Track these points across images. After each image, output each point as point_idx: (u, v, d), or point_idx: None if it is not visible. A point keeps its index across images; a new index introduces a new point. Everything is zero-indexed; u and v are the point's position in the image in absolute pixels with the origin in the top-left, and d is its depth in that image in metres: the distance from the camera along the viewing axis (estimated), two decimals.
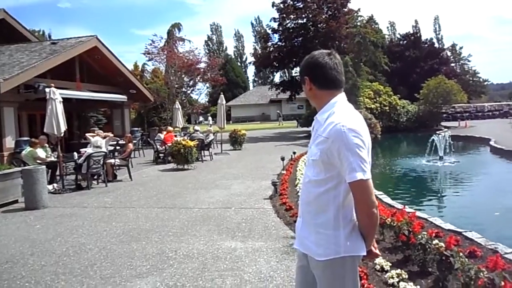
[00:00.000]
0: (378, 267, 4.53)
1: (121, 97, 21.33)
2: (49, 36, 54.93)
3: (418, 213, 6.36)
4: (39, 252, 5.75)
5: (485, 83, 64.38)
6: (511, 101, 55.88)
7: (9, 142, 14.55)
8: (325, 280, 2.18)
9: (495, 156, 16.69)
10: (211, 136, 18.50)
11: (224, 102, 20.04)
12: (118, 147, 15.72)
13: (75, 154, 12.50)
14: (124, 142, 14.77)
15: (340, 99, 2.21)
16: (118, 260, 5.28)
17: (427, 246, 4.41)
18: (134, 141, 16.52)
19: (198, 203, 8.56)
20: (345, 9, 33.45)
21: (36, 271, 5.04)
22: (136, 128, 24.14)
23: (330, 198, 2.12)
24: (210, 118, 59.26)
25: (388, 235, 5.46)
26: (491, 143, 18.44)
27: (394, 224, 5.06)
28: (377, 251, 2.30)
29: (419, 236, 4.57)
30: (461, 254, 4.11)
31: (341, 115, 2.09)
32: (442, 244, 4.41)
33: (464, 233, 5.63)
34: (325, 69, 2.21)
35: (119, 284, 4.54)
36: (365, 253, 2.16)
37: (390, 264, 4.57)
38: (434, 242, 4.51)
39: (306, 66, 2.29)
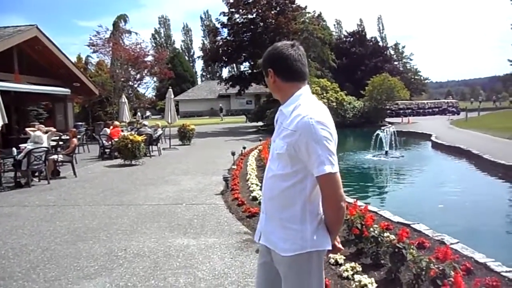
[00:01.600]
0: (332, 260, 4.56)
1: (64, 90, 20.37)
2: None
3: (369, 207, 6.49)
4: None
5: (426, 81, 67.44)
6: (449, 99, 58.75)
7: None
8: (291, 276, 2.13)
9: (435, 151, 17.43)
10: (159, 131, 18.11)
11: (172, 96, 19.65)
12: (61, 142, 15.03)
13: (14, 149, 11.80)
14: (67, 137, 14.15)
15: (305, 92, 2.15)
16: (63, 261, 5.01)
17: (379, 239, 4.50)
18: (79, 136, 15.87)
19: (147, 199, 8.33)
20: (293, 5, 33.76)
21: None
22: (80, 123, 23.23)
23: (297, 192, 2.07)
24: (148, 113, 58.23)
25: (341, 228, 5.51)
26: (432, 138, 19.25)
27: (347, 218, 5.10)
28: (340, 245, 2.28)
29: (371, 229, 4.65)
30: (412, 246, 4.22)
31: (308, 108, 2.04)
32: (393, 236, 4.51)
33: (412, 225, 5.79)
34: (289, 60, 2.13)
35: (65, 287, 4.29)
36: (330, 248, 2.13)
37: (344, 258, 4.61)
38: (385, 234, 4.61)
39: (269, 58, 2.19)
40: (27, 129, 12.30)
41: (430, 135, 20.39)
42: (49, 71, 19.94)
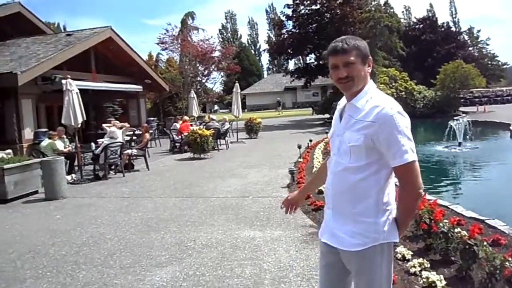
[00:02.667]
0: (399, 255, 4.46)
1: (137, 87, 21.42)
2: (64, 28, 55.38)
3: (438, 201, 6.25)
4: (60, 242, 5.81)
5: (504, 66, 63.08)
6: None
7: (28, 134, 14.72)
8: (365, 270, 2.12)
9: None
10: (227, 125, 18.48)
11: (239, 90, 20.00)
12: (134, 137, 15.81)
13: (93, 144, 12.63)
14: (140, 132, 14.85)
15: (373, 85, 2.19)
16: (137, 250, 5.30)
17: (449, 235, 4.32)
18: (151, 131, 16.58)
19: (215, 192, 8.57)
20: None
21: (58, 260, 5.10)
22: (152, 118, 24.23)
23: (371, 185, 2.07)
24: (216, 107, 59.12)
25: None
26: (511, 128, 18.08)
27: (415, 212, 4.97)
28: None
29: (441, 225, 4.49)
30: (485, 243, 4.03)
31: (383, 99, 2.08)
32: (465, 232, 4.33)
33: (486, 221, 5.50)
34: None
35: (139, 274, 4.56)
36: (398, 240, 2.13)
37: (412, 253, 4.50)
38: (456, 230, 4.42)
39: (365, 48, 2.17)
40: (103, 125, 13.05)
41: (509, 125, 19.15)
42: (122, 69, 21.00)
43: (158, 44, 30.52)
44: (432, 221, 4.62)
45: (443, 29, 51.34)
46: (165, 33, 29.83)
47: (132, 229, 6.27)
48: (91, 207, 7.84)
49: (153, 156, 14.38)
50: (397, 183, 2.13)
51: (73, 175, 10.98)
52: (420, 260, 4.21)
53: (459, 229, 4.53)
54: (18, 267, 4.97)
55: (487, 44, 62.59)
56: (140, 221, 6.66)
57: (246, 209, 7.07)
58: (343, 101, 2.27)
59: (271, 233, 5.68)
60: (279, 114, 45.94)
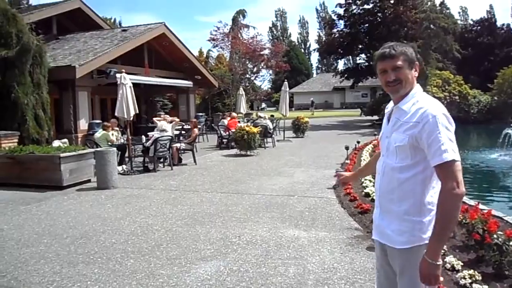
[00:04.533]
0: (448, 265, 4.32)
1: (187, 83, 21.83)
2: (120, 24, 57.00)
3: (493, 211, 6.00)
4: (110, 230, 6.01)
5: None
6: None
7: (83, 124, 15.33)
8: (409, 268, 2.16)
9: None
10: (274, 123, 18.49)
11: (287, 89, 19.97)
12: (183, 132, 16.12)
13: (143, 137, 12.98)
14: (189, 127, 15.12)
15: (419, 89, 2.28)
16: (183, 242, 5.41)
17: (504, 247, 4.14)
18: (199, 126, 16.86)
19: (261, 189, 8.60)
20: None
21: (108, 247, 5.28)
22: (200, 114, 24.62)
23: (417, 183, 2.14)
24: (264, 105, 58.95)
25: (459, 232, 5.18)
26: None
27: (467, 222, 4.80)
28: None
29: (495, 236, 4.30)
30: None
31: (427, 101, 2.18)
32: None
33: None
34: None
35: (184, 266, 4.65)
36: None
37: (462, 264, 4.34)
38: (511, 243, 4.24)
39: (413, 53, 2.28)
40: (154, 118, 13.38)
41: None
42: (174, 65, 21.47)
43: (209, 40, 31.00)
44: (486, 232, 4.44)
45: (502, 31, 49.06)
46: (216, 30, 30.23)
47: (178, 221, 6.40)
48: (140, 198, 8.07)
49: (200, 151, 14.60)
50: None
51: (124, 166, 11.34)
52: (471, 271, 4.05)
53: None
54: (71, 251, 5.19)
55: None
56: (187, 214, 6.79)
57: (291, 208, 7.06)
58: (390, 105, 2.38)
59: (316, 234, 5.65)
60: (312, 114, 44.93)
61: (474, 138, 24.35)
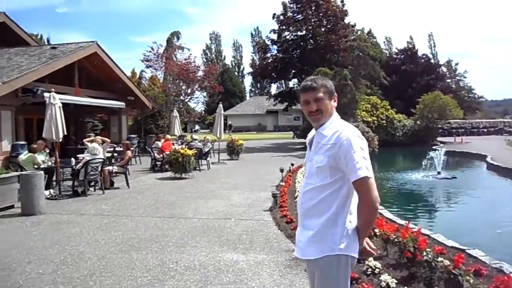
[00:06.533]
0: (383, 284, 4.46)
1: (119, 104, 21.22)
2: (48, 41, 54.94)
3: (422, 230, 6.31)
4: (37, 260, 5.64)
5: (480, 99, 64.94)
6: (505, 118, 56.36)
7: (5, 146, 14.36)
8: (322, 279, 2.35)
9: (491, 173, 16.73)
10: (209, 145, 18.42)
11: (222, 111, 20.03)
12: (115, 154, 15.60)
13: (73, 160, 12.41)
14: (121, 149, 14.67)
15: (337, 116, 2.54)
16: (118, 270, 5.18)
17: (433, 264, 4.36)
18: (132, 148, 16.41)
19: (197, 213, 8.48)
20: (343, 23, 33.68)
21: (34, 279, 4.94)
22: (133, 135, 23.99)
23: (335, 200, 2.34)
24: (197, 127, 58.39)
25: (392, 251, 5.39)
26: (488, 159, 18.50)
27: (399, 240, 5.00)
28: (371, 249, 2.51)
29: (425, 253, 4.52)
30: (469, 273, 4.07)
31: (342, 125, 2.44)
32: (448, 262, 4.36)
33: (467, 251, 5.58)
34: None
35: None
36: (357, 256, 2.38)
37: (396, 281, 4.50)
38: (439, 259, 4.46)
39: (332, 86, 2.55)
40: (84, 140, 12.86)
41: (485, 156, 19.58)
42: (106, 85, 20.83)
43: (142, 61, 30.43)
44: (416, 250, 4.65)
45: (423, 60, 52.72)
46: (150, 51, 29.81)
47: (112, 248, 6.13)
48: (69, 224, 7.66)
49: (133, 174, 14.20)
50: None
51: (51, 191, 10.73)
52: None
53: (442, 258, 4.57)
54: None
55: (465, 77, 64.58)
56: (121, 240, 6.53)
57: (229, 231, 7.01)
58: (311, 133, 2.60)
59: (254, 257, 5.63)
60: (229, 137, 44.63)
61: (400, 160, 25.66)
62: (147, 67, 32.09)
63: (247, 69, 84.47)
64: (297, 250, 2.53)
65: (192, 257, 5.66)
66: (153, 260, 5.55)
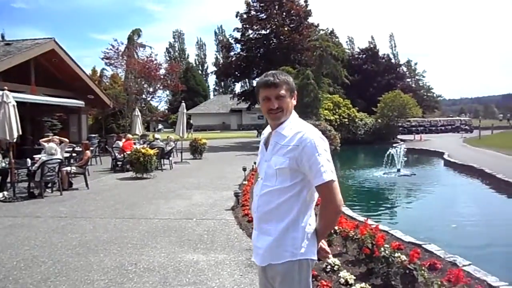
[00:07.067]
0: (342, 280, 4.52)
1: (78, 103, 20.65)
2: (2, 37, 52.75)
3: (380, 226, 6.44)
4: None
5: (438, 98, 67.12)
6: (462, 117, 58.43)
7: None
8: (283, 284, 2.27)
9: (448, 169, 17.28)
10: (172, 145, 18.21)
11: (185, 110, 19.79)
12: (74, 154, 15.19)
13: (29, 160, 11.98)
14: (80, 149, 14.30)
15: (295, 115, 2.42)
16: (74, 274, 5.03)
17: (390, 259, 4.45)
18: (92, 148, 16.02)
19: (158, 213, 8.35)
20: (307, 22, 34.01)
21: None
22: (93, 135, 23.43)
23: (294, 203, 2.25)
24: (160, 126, 57.52)
25: (351, 247, 5.47)
26: (445, 156, 19.11)
27: (358, 237, 5.08)
28: (328, 249, 2.46)
29: (382, 249, 4.60)
30: (423, 267, 4.18)
31: (304, 125, 2.32)
32: (404, 257, 4.46)
33: (424, 246, 5.74)
34: None
35: None
36: (316, 258, 2.32)
37: (354, 278, 4.57)
38: (396, 255, 4.56)
39: (293, 83, 2.42)
40: (41, 140, 12.46)
41: (443, 153, 20.24)
42: (64, 83, 20.28)
43: (102, 59, 29.72)
44: (374, 246, 4.73)
45: (384, 60, 53.93)
46: (110, 49, 29.13)
47: (68, 251, 5.95)
48: (23, 228, 7.39)
49: (93, 175, 13.87)
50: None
51: (5, 193, 10.32)
52: (363, 284, 4.28)
53: (399, 254, 4.66)
54: None
55: (423, 77, 66.57)
56: (78, 243, 6.35)
57: (190, 231, 6.94)
58: (267, 131, 2.49)
59: (215, 257, 5.60)
60: (188, 136, 43.84)
61: (361, 158, 26.13)
62: (108, 65, 31.40)
63: (211, 67, 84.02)
64: (256, 257, 2.39)
65: (152, 258, 5.57)
66: (111, 263, 5.42)
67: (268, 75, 2.35)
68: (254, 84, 40.28)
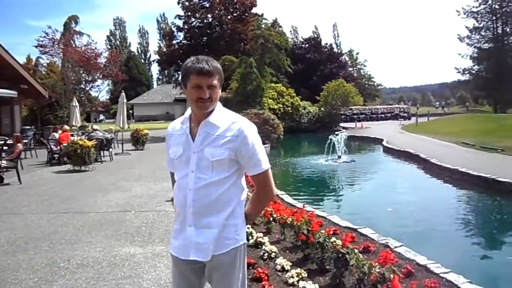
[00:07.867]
0: (279, 267, 4.57)
1: (10, 92, 19.50)
2: None
3: (317, 212, 6.59)
4: None
5: (379, 87, 69.51)
6: (401, 105, 60.81)
7: None
8: (225, 275, 2.27)
9: (387, 155, 17.95)
10: (111, 136, 17.68)
11: (125, 100, 19.22)
12: (5, 147, 14.38)
13: None
14: (12, 142, 13.56)
15: (220, 104, 2.34)
16: (1, 275, 4.76)
17: (325, 245, 4.55)
18: (25, 141, 15.25)
19: (95, 207, 8.08)
20: (251, 12, 33.99)
21: None
22: (28, 127, 22.32)
23: (233, 192, 2.26)
24: (102, 117, 55.90)
25: (289, 234, 5.54)
26: (384, 143, 19.83)
27: (295, 224, 5.15)
28: None
29: (317, 235, 4.70)
30: (356, 250, 4.30)
31: (235, 115, 2.29)
32: (339, 241, 4.57)
33: (359, 230, 5.93)
34: None
35: None
36: (247, 241, 2.50)
37: (291, 264, 4.63)
38: (331, 240, 4.67)
39: (222, 72, 2.32)
40: None
41: (382, 140, 20.99)
42: None
43: (36, 47, 28.30)
44: (310, 232, 4.81)
45: (326, 49, 54.89)
46: (44, 36, 27.76)
47: None
48: None
49: (27, 168, 13.23)
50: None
51: None
52: (298, 270, 4.35)
53: (334, 239, 4.78)
54: None
55: (365, 66, 68.56)
56: (6, 241, 6.02)
57: (128, 224, 6.77)
58: (184, 123, 2.33)
59: (152, 249, 5.49)
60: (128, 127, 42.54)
61: (305, 146, 26.60)
62: (42, 53, 29.98)
63: (154, 56, 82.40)
64: (198, 253, 2.22)
65: (86, 254, 5.37)
66: (42, 260, 5.18)
67: (201, 61, 2.18)
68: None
